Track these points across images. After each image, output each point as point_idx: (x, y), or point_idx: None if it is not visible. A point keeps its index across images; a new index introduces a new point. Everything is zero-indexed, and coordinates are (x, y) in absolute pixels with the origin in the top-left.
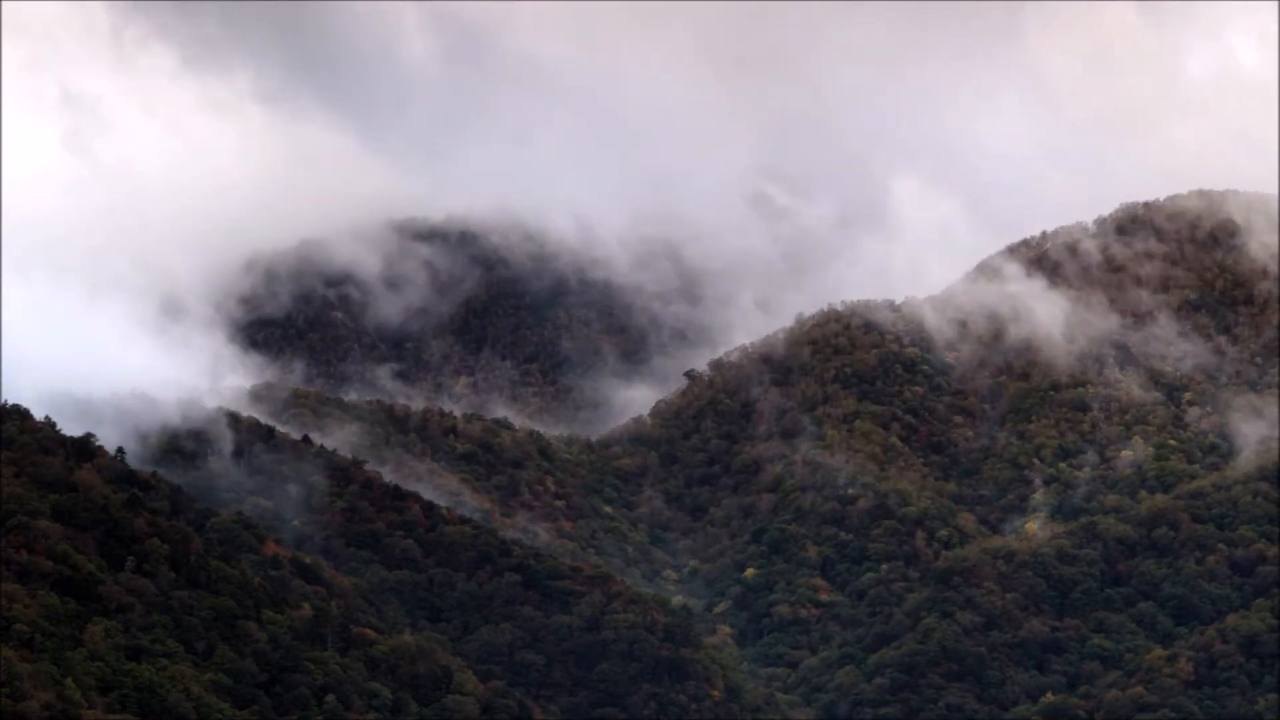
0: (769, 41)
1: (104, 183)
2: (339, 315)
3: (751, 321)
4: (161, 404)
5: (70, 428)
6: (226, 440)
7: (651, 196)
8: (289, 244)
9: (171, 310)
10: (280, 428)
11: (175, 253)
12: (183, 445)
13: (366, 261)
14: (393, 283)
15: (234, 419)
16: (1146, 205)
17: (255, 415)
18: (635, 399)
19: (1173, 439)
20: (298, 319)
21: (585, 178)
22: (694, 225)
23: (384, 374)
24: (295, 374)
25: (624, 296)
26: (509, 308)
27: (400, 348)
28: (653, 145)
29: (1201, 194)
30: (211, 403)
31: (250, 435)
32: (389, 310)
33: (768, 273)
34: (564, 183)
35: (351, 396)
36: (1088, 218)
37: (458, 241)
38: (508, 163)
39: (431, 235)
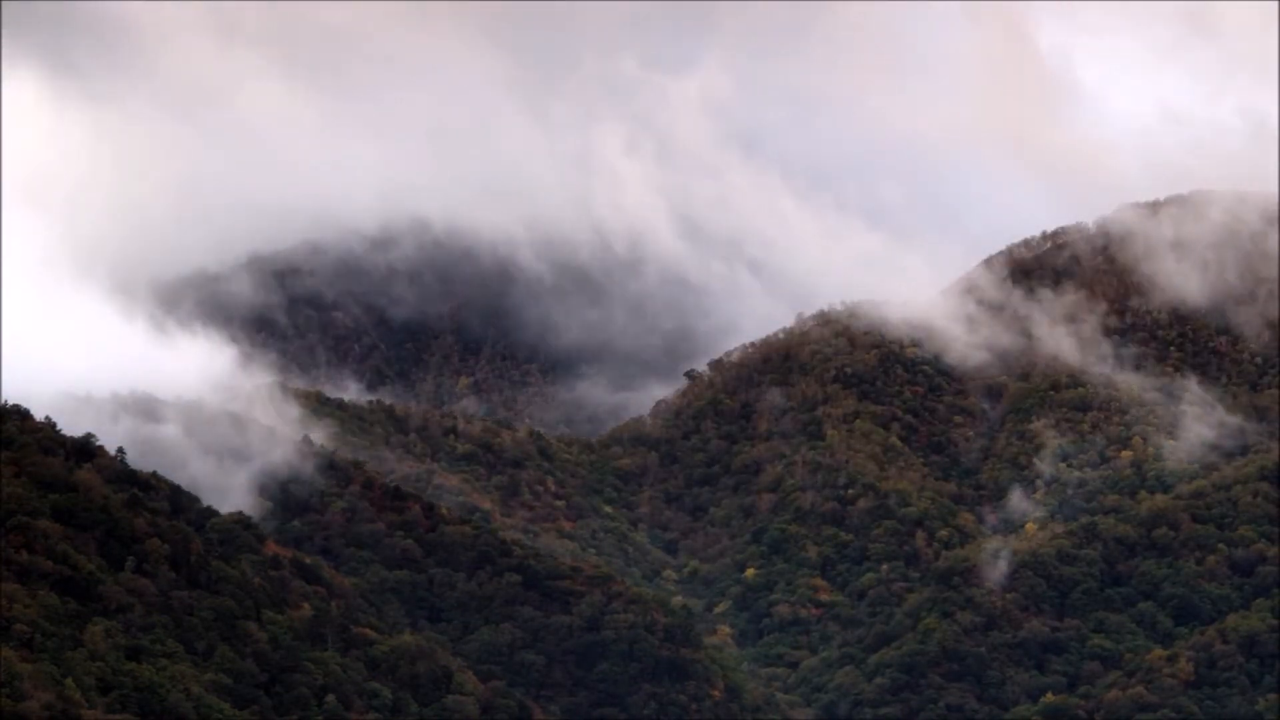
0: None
1: (104, 182)
2: (339, 315)
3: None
4: (162, 404)
5: (70, 428)
6: (227, 439)
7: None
8: (289, 243)
9: (172, 310)
10: (280, 428)
11: (176, 252)
12: (184, 446)
13: (366, 261)
14: (392, 282)
15: (235, 417)
16: (1149, 205)
17: (255, 415)
18: (633, 400)
19: (1173, 439)
20: (298, 319)
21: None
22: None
23: (384, 373)
24: (295, 374)
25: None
26: (508, 307)
27: (400, 348)
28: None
29: (1201, 194)
30: (213, 403)
31: (251, 435)
32: (389, 310)
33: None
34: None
35: (351, 396)
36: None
37: (454, 240)
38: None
39: (431, 234)
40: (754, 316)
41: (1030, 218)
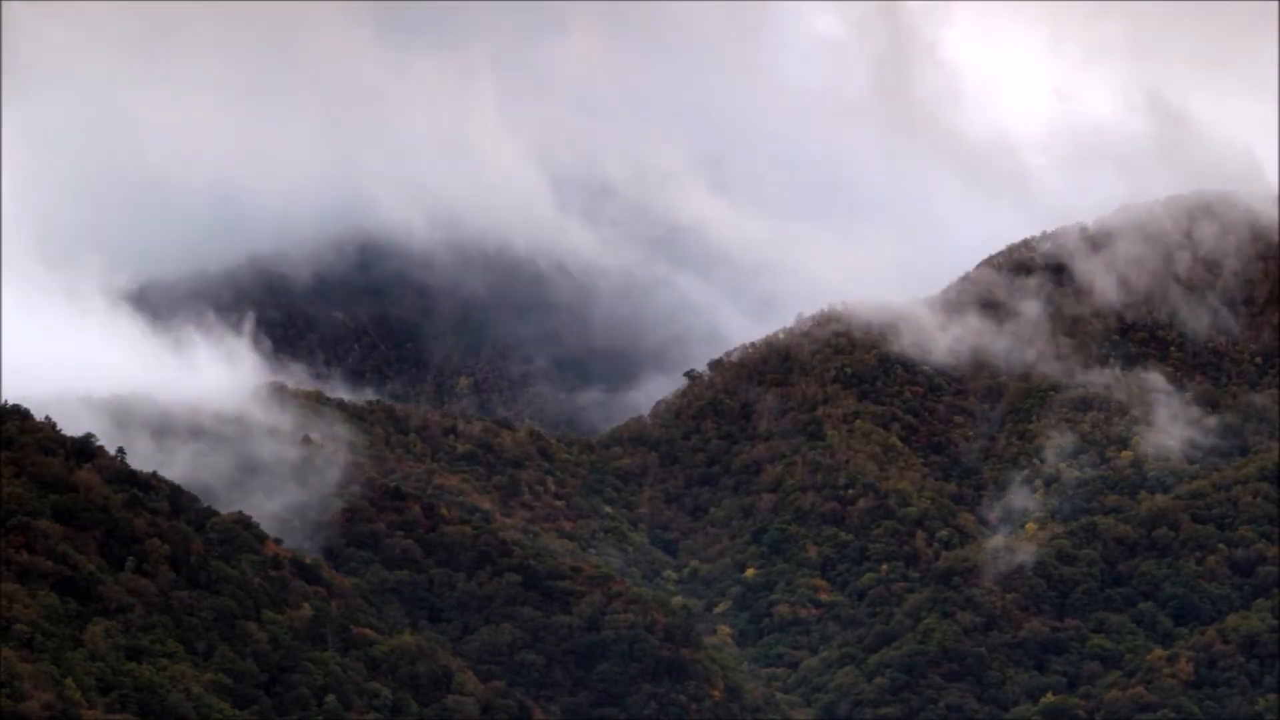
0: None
1: (104, 181)
2: (339, 315)
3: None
4: (162, 405)
5: (70, 428)
6: (227, 439)
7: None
8: (289, 244)
9: (172, 310)
10: (280, 428)
11: (177, 252)
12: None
13: (365, 261)
14: (390, 282)
15: (235, 418)
16: (1147, 205)
17: (255, 415)
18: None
19: (1172, 439)
20: (298, 319)
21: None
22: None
23: (385, 373)
24: (296, 374)
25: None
26: (508, 307)
27: (401, 348)
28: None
29: (1200, 193)
30: (212, 402)
31: (250, 434)
32: (390, 310)
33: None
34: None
35: (352, 396)
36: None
37: (453, 240)
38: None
39: (434, 234)
40: (698, 312)
41: (935, 204)
